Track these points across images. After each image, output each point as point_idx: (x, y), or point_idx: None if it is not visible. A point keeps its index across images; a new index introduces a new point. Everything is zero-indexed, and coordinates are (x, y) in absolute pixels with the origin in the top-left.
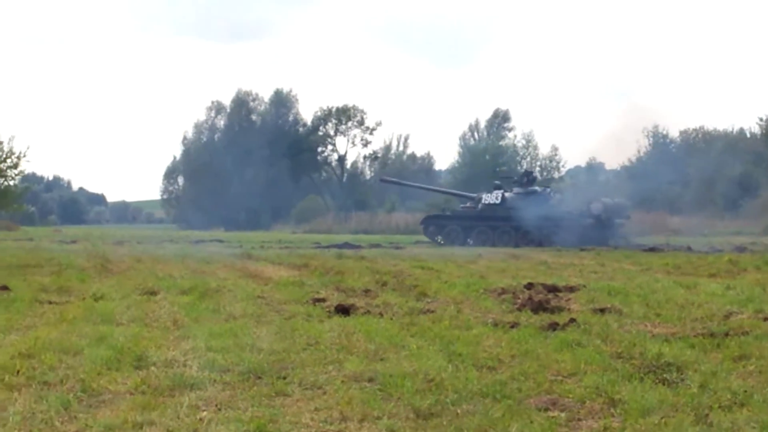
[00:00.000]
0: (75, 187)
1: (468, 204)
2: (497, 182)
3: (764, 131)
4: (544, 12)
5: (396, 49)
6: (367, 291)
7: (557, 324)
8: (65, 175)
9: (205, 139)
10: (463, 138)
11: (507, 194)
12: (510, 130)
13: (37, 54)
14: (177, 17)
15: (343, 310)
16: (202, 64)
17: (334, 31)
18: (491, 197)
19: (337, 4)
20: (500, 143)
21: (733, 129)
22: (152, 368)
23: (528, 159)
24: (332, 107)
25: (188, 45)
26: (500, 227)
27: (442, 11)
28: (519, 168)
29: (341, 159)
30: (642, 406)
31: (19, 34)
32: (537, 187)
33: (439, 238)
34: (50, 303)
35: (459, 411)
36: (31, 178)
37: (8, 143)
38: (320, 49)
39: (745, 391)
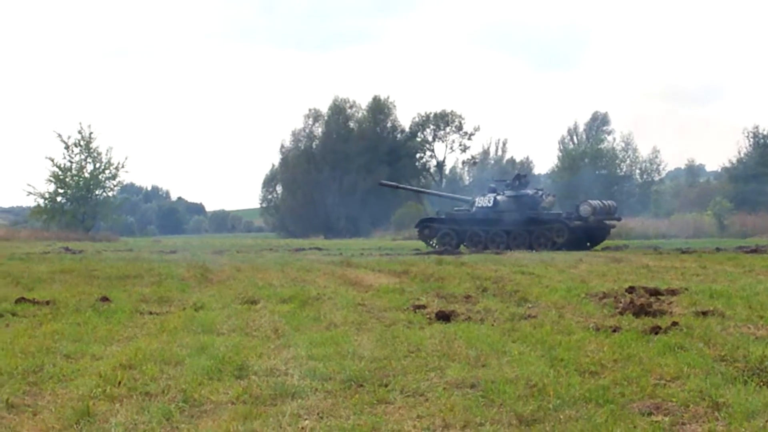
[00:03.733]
0: (174, 196)
1: (462, 207)
2: (492, 185)
3: None
4: (642, 14)
5: (493, 53)
6: (467, 297)
7: (659, 327)
8: (164, 185)
9: (303, 147)
10: (562, 141)
11: (499, 197)
12: (609, 133)
13: (136, 64)
14: (274, 26)
15: (444, 317)
16: (299, 72)
17: (431, 37)
18: (484, 200)
19: (432, 10)
20: (599, 146)
21: None
22: (253, 377)
23: (627, 162)
24: (430, 113)
25: (286, 54)
26: (491, 230)
27: (539, 14)
28: (619, 171)
29: (440, 165)
30: (746, 409)
31: (120, 45)
32: (529, 190)
33: (433, 242)
34: (150, 313)
35: (562, 416)
36: (130, 189)
37: (107, 154)
38: (417, 54)
39: None
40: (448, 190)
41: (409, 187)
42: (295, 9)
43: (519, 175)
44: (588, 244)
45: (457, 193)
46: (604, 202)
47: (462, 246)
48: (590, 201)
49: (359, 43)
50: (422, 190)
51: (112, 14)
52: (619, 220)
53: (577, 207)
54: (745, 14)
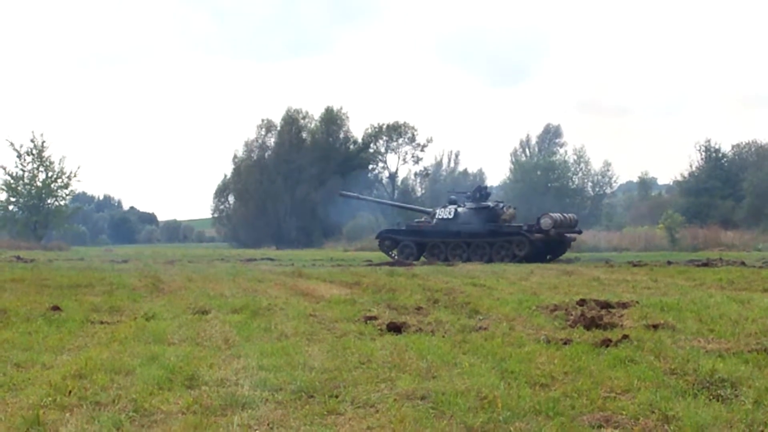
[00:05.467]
0: (126, 206)
1: (423, 219)
2: (452, 197)
3: None
4: (594, 28)
5: (446, 66)
6: (418, 308)
7: (610, 340)
8: (116, 195)
9: (255, 158)
10: (514, 154)
11: (459, 209)
12: (561, 146)
13: (89, 74)
14: (226, 37)
15: (395, 328)
16: (252, 82)
17: (385, 49)
18: (445, 212)
19: (387, 23)
20: (551, 159)
21: None
22: (204, 387)
23: (579, 174)
24: (383, 124)
25: (239, 64)
26: (452, 242)
27: (493, 28)
28: (571, 184)
29: (392, 176)
30: (696, 422)
31: (71, 54)
32: (489, 203)
33: (394, 253)
34: (102, 323)
35: (512, 429)
36: (82, 198)
37: (59, 163)
38: (370, 66)
39: None
40: (400, 202)
41: (368, 198)
42: (249, 19)
43: (480, 187)
44: (548, 257)
45: (410, 205)
46: (565, 215)
47: (422, 257)
48: (551, 214)
49: (313, 53)
50: (382, 201)
51: (66, 24)
52: (579, 233)
53: (538, 220)
54: (698, 31)
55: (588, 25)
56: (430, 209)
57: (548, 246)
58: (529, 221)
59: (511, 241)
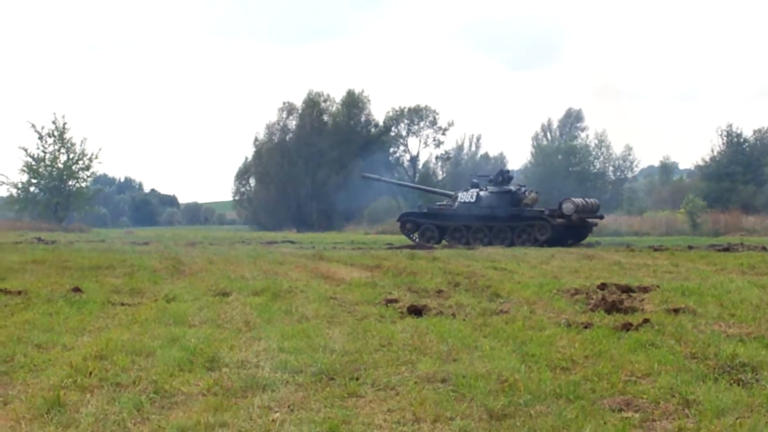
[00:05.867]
0: (147, 188)
1: (445, 202)
2: (474, 180)
3: None
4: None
5: (468, 50)
6: (439, 292)
7: (631, 324)
8: (137, 177)
9: (276, 141)
10: (535, 138)
11: (481, 193)
12: (583, 130)
13: (111, 57)
14: (250, 20)
15: (416, 311)
16: (274, 65)
17: (406, 32)
18: (467, 196)
19: (408, 6)
20: (573, 143)
21: None
22: (225, 369)
23: (600, 159)
24: (404, 107)
25: (261, 47)
26: (474, 226)
27: (516, 12)
28: (592, 168)
29: (413, 160)
30: (716, 406)
31: (93, 37)
32: (512, 186)
33: (415, 236)
34: (122, 305)
35: (532, 412)
36: (103, 180)
37: (80, 145)
38: (392, 49)
39: None
40: (421, 185)
41: (391, 180)
42: (271, 3)
43: (502, 171)
44: (570, 241)
45: (431, 188)
46: (587, 200)
47: (443, 241)
48: (573, 199)
49: (335, 37)
50: (404, 183)
51: (89, 7)
52: (601, 218)
53: (560, 204)
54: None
55: (610, 9)
56: (452, 192)
57: (570, 231)
58: (549, 206)
59: (533, 225)
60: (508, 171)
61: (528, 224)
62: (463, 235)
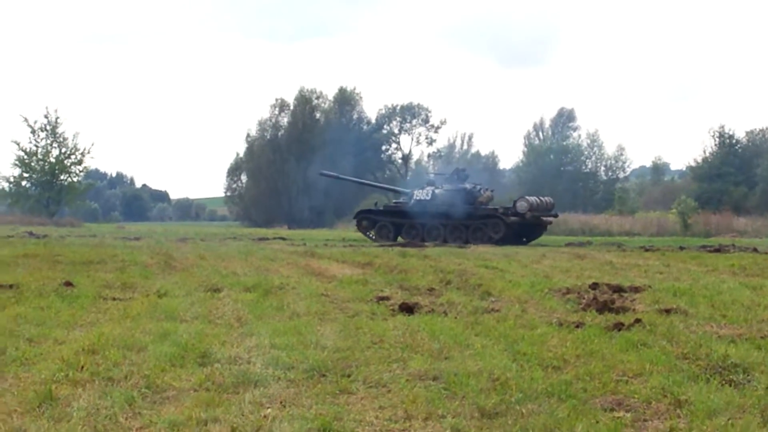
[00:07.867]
0: (138, 183)
1: (401, 199)
2: (431, 178)
3: None
4: (610, 13)
5: (461, 49)
6: (431, 290)
7: (622, 324)
8: (129, 172)
9: (268, 137)
10: (527, 137)
11: (437, 190)
12: (575, 129)
13: (104, 51)
14: (242, 16)
15: (407, 309)
16: (266, 61)
17: (399, 30)
18: (422, 193)
19: (402, 4)
20: (565, 143)
21: None
22: (216, 365)
23: (592, 159)
24: (396, 105)
25: (253, 43)
26: (429, 223)
27: (508, 11)
28: (584, 168)
29: (405, 157)
30: (708, 407)
31: (85, 31)
32: (467, 184)
33: (372, 233)
34: (114, 299)
35: (524, 410)
36: (95, 175)
37: (72, 140)
38: (385, 47)
39: None
40: (413, 183)
41: (348, 177)
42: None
43: (458, 169)
44: (524, 240)
45: (389, 185)
46: (541, 198)
47: (398, 238)
48: (527, 197)
49: (327, 34)
50: (362, 181)
51: (81, 1)
52: (556, 216)
53: (515, 203)
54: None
55: (603, 9)
56: (408, 190)
57: (524, 229)
58: (507, 204)
59: (487, 223)
60: (464, 170)
61: (482, 222)
62: (419, 232)
